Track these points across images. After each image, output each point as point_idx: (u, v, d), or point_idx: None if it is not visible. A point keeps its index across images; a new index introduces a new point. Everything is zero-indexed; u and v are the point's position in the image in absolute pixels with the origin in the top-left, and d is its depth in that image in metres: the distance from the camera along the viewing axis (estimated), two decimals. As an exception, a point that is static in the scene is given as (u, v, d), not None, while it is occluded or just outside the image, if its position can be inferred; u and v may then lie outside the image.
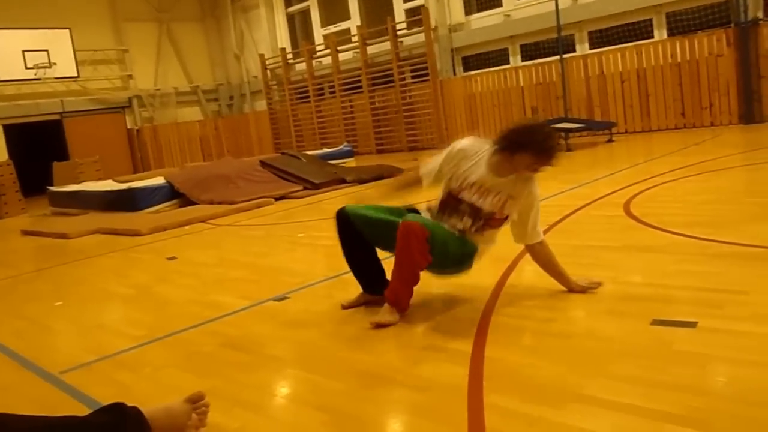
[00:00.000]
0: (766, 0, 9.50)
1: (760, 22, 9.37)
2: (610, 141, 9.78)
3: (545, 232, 3.99)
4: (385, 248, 2.95)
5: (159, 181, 8.62)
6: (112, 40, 16.32)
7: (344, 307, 3.04)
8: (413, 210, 2.96)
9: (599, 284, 2.85)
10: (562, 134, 9.58)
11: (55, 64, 14.39)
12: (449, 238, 2.74)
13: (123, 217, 7.74)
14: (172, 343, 2.94)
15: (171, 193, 8.35)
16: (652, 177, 5.74)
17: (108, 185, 9.45)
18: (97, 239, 6.71)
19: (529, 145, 2.62)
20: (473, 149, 2.79)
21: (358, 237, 2.93)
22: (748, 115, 9.58)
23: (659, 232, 3.76)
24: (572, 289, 2.84)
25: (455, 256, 2.77)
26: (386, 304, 2.78)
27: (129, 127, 16.76)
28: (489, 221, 2.76)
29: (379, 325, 2.71)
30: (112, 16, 16.29)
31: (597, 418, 1.77)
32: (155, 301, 3.85)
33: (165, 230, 6.57)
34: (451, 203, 2.80)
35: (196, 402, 1.99)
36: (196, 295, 3.84)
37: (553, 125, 9.84)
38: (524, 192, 2.74)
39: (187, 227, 6.67)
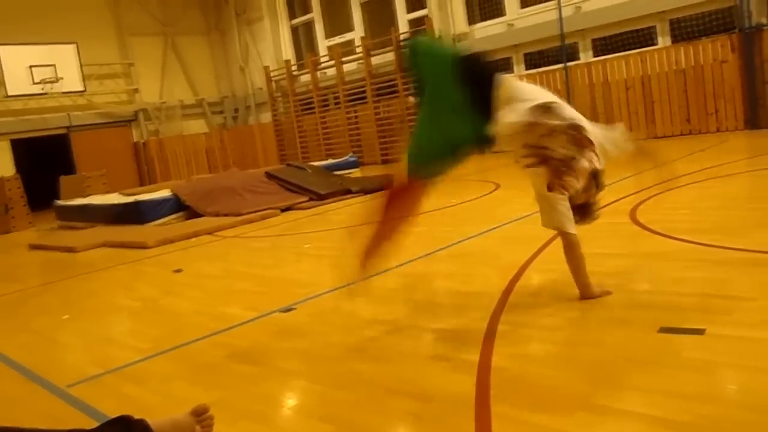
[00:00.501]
0: (769, 5, 9.51)
1: (765, 27, 9.36)
2: (615, 148, 9.75)
3: (551, 240, 4.00)
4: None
5: (165, 193, 8.64)
6: (118, 55, 16.44)
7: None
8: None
9: (610, 293, 2.85)
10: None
11: (61, 78, 14.52)
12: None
13: (130, 230, 7.77)
14: (178, 356, 2.94)
15: (177, 206, 8.38)
16: (658, 184, 5.71)
17: (114, 198, 9.49)
18: (104, 252, 6.73)
19: None
20: None
21: None
22: (753, 121, 9.55)
23: (666, 239, 3.74)
24: (584, 295, 2.83)
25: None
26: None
27: (135, 140, 16.85)
28: (552, 165, 2.73)
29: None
30: (117, 30, 16.41)
31: (605, 427, 1.76)
32: (162, 313, 3.85)
33: (171, 243, 6.59)
34: (580, 138, 2.74)
35: (201, 414, 1.99)
36: (203, 307, 3.85)
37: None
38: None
39: (193, 239, 6.69)
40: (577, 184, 2.73)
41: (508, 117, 2.70)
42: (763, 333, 2.22)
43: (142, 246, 6.53)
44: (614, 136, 2.86)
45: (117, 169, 15.35)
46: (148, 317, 3.82)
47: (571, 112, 2.78)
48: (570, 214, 2.77)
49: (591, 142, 2.73)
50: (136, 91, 16.70)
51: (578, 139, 2.72)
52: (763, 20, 9.44)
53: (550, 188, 2.72)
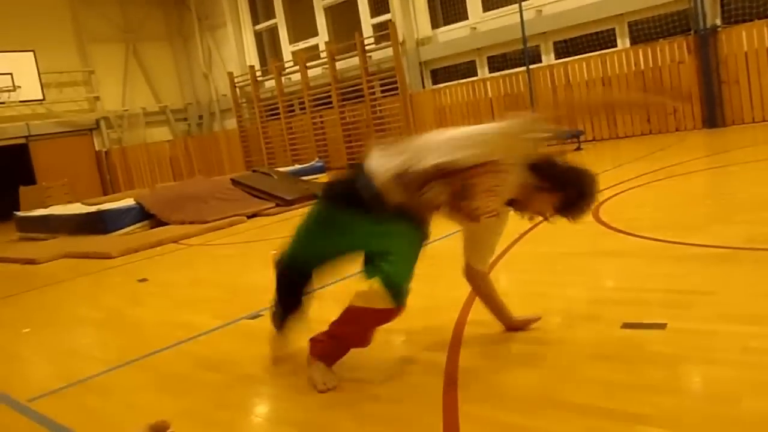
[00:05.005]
0: (723, 7, 9.76)
1: (719, 29, 9.61)
2: (578, 149, 9.91)
3: (516, 240, 4.04)
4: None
5: (129, 202, 8.51)
6: (78, 62, 16.16)
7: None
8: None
9: (538, 319, 2.57)
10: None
11: (19, 87, 14.21)
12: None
13: (93, 240, 7.63)
14: (144, 366, 2.89)
15: (141, 215, 8.25)
16: (620, 183, 5.82)
17: (77, 208, 9.31)
18: (67, 263, 6.59)
19: None
20: None
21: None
22: (711, 120, 9.78)
23: (628, 237, 3.81)
24: (510, 326, 2.56)
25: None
26: (316, 362, 2.35)
27: (97, 149, 16.58)
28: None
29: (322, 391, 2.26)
30: (76, 37, 16.13)
31: (571, 423, 1.78)
32: (127, 323, 3.79)
33: (136, 252, 6.49)
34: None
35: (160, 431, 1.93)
36: (169, 316, 3.80)
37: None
38: None
39: (158, 248, 6.59)
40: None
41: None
42: (722, 325, 2.27)
43: (106, 256, 6.41)
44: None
45: (79, 179, 15.09)
46: (113, 328, 3.76)
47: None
48: None
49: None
50: (97, 98, 16.43)
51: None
52: (717, 22, 9.69)
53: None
